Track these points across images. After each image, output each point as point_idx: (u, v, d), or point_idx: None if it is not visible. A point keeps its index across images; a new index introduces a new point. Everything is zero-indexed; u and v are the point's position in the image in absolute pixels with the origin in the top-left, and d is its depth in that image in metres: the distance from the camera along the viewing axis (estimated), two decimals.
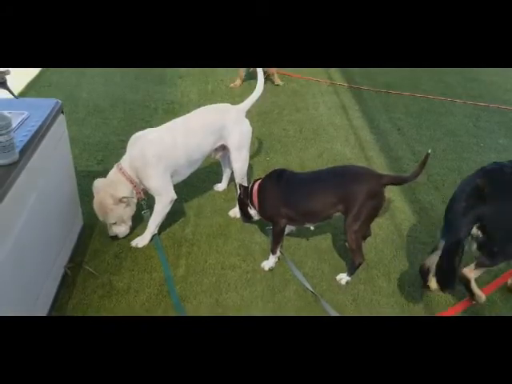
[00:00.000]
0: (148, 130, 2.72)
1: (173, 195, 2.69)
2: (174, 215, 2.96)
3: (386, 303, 2.38)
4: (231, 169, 3.01)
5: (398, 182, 2.58)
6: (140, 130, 3.96)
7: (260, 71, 3.04)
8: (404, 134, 4.13)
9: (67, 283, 2.41)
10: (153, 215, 2.69)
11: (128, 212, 2.63)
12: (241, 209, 2.70)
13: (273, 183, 2.54)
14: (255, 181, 2.63)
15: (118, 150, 3.67)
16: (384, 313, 2.32)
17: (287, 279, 2.52)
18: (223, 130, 2.82)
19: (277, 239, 2.55)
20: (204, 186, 3.29)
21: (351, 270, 2.49)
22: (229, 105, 2.97)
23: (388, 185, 2.43)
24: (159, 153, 2.58)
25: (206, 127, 2.77)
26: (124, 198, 2.55)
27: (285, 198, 2.47)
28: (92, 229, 2.79)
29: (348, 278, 2.50)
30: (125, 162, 2.60)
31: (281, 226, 2.51)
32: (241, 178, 2.93)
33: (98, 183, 2.61)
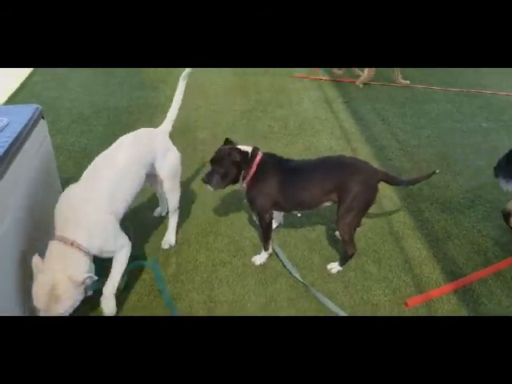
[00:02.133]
0: (83, 194, 2.13)
1: (129, 243, 2.29)
2: (162, 216, 2.97)
3: (378, 288, 2.39)
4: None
5: (392, 181, 2.55)
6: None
7: (182, 83, 2.76)
8: (388, 124, 4.15)
9: None
10: (115, 269, 2.23)
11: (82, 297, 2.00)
12: (225, 169, 2.41)
13: (271, 170, 2.41)
14: (256, 150, 2.44)
15: None
16: (376, 298, 2.33)
17: (278, 271, 2.52)
18: (154, 160, 2.47)
19: (266, 234, 2.53)
20: (191, 186, 3.30)
21: (343, 261, 2.50)
22: (150, 129, 2.58)
23: (382, 181, 2.43)
24: (111, 210, 2.16)
25: (137, 162, 2.34)
26: (87, 278, 1.95)
27: (281, 186, 2.40)
28: None
29: (339, 268, 2.50)
30: (74, 232, 2.00)
31: (266, 222, 2.48)
32: (175, 208, 2.70)
33: (42, 263, 1.94)
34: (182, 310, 2.29)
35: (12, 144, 2.05)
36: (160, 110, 4.48)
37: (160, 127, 2.65)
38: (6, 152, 1.98)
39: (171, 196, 2.65)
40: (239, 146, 2.46)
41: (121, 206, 2.24)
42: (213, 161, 2.45)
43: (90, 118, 4.36)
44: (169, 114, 2.69)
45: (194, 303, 2.34)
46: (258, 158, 2.42)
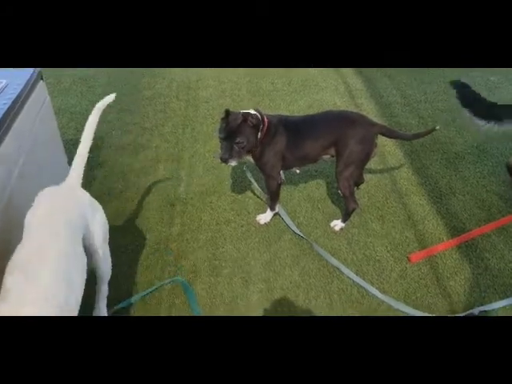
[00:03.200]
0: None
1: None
2: (165, 176, 2.98)
3: (381, 245, 2.41)
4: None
5: (391, 135, 2.51)
6: (127, 95, 3.95)
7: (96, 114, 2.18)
8: (394, 79, 4.07)
9: None
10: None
11: None
12: (246, 137, 2.24)
13: (278, 129, 2.37)
14: (261, 112, 2.36)
15: (106, 117, 3.66)
16: (379, 254, 2.36)
17: (282, 229, 2.54)
18: (85, 228, 1.75)
19: (275, 196, 2.53)
20: (194, 146, 3.28)
21: (345, 217, 2.51)
22: (60, 189, 1.82)
23: (380, 134, 2.40)
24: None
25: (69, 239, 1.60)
26: None
27: (287, 143, 2.38)
28: None
29: (342, 225, 2.52)
30: None
31: (277, 182, 2.47)
32: (109, 277, 2.00)
33: None
34: (188, 268, 2.33)
35: (11, 106, 2.02)
36: (164, 69, 4.43)
37: (69, 181, 1.89)
38: (6, 115, 1.96)
39: (106, 264, 1.95)
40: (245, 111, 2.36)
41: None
42: (228, 134, 2.24)
43: (91, 78, 4.30)
44: (76, 160, 1.96)
45: (198, 261, 2.37)
46: (266, 119, 2.38)
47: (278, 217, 2.61)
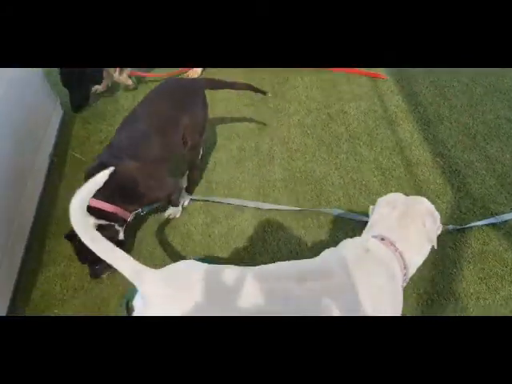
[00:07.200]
0: None
1: None
2: None
3: (368, 169, 2.45)
4: None
5: (218, 85, 2.40)
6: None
7: None
8: None
9: (53, 174, 2.44)
10: None
11: None
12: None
13: (125, 173, 1.88)
14: (105, 205, 1.88)
15: None
16: (366, 178, 2.42)
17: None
18: None
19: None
20: None
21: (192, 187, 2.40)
22: None
23: (208, 88, 2.30)
24: None
25: None
26: None
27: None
28: (75, 116, 2.76)
29: (189, 198, 2.37)
30: None
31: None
32: None
33: None
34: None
35: None
36: None
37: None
38: None
39: None
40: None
41: None
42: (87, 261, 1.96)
43: None
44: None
45: None
46: (107, 207, 1.88)
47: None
